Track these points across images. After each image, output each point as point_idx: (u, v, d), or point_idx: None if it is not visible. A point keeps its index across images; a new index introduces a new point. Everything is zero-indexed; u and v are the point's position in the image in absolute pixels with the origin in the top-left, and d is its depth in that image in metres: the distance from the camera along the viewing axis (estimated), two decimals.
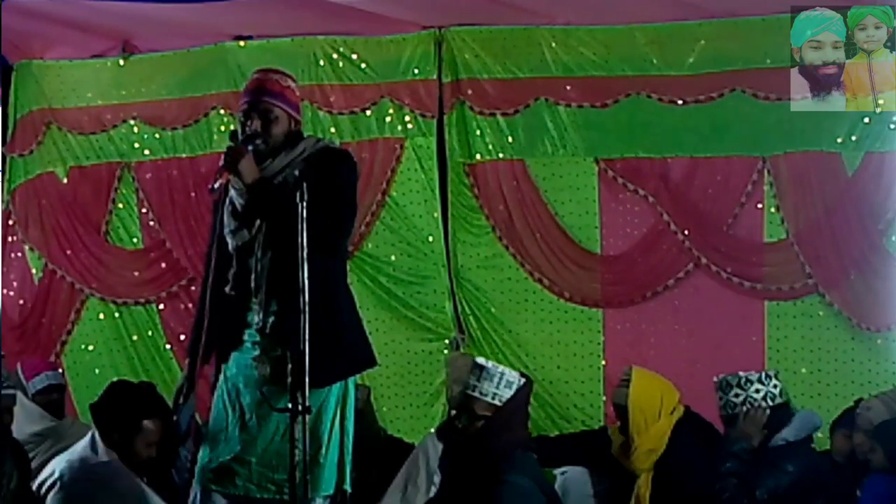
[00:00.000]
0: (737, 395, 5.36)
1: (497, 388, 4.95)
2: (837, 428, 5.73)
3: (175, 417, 5.01)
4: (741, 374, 5.41)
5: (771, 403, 5.36)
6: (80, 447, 5.38)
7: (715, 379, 5.48)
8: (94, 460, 5.28)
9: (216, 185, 4.48)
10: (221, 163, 4.45)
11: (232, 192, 4.55)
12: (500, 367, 5.07)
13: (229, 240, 4.62)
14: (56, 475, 5.21)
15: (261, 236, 4.54)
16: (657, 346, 6.73)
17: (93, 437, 5.39)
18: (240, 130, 4.61)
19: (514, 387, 4.99)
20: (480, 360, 5.14)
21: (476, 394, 4.96)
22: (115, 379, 7.11)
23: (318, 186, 4.30)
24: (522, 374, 5.16)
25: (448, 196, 7.00)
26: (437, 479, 5.40)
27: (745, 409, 5.34)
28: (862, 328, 6.42)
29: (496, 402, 4.94)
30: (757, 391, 5.35)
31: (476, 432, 4.95)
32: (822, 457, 5.63)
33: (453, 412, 5.17)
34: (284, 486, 4.40)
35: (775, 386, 5.39)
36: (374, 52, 7.07)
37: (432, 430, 6.01)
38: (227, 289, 4.60)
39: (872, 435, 5.28)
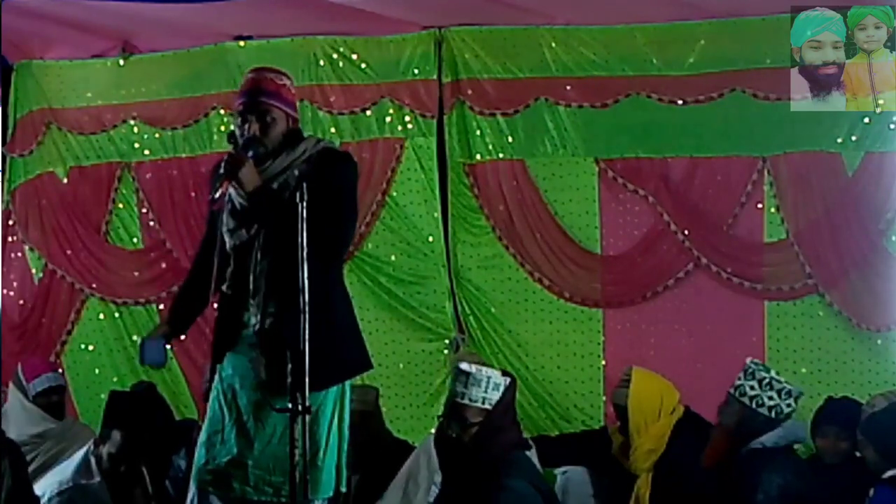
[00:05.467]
0: (752, 388, 5.23)
1: (486, 392, 4.87)
2: (824, 425, 5.68)
3: (140, 345, 4.86)
4: (772, 374, 5.20)
5: (771, 416, 5.13)
6: (73, 468, 5.34)
7: (748, 360, 5.30)
8: (85, 482, 5.25)
9: (216, 196, 4.39)
10: (221, 171, 4.38)
11: (231, 191, 4.46)
12: (485, 370, 4.97)
13: (227, 238, 4.56)
14: (45, 498, 5.18)
15: (260, 238, 4.49)
16: (657, 346, 6.72)
17: (86, 455, 5.36)
18: (237, 132, 4.56)
19: (502, 388, 4.90)
20: (464, 365, 5.00)
21: (465, 401, 4.86)
22: (114, 379, 7.24)
23: (319, 189, 4.26)
24: (505, 373, 5.08)
25: (448, 196, 6.99)
26: (437, 478, 5.36)
27: (745, 401, 5.19)
28: (862, 328, 6.41)
29: (486, 406, 4.85)
30: (770, 398, 5.15)
31: (471, 439, 4.87)
32: (807, 464, 5.51)
33: (443, 420, 5.04)
34: (282, 489, 4.38)
35: (789, 405, 5.16)
36: (374, 52, 7.07)
37: (433, 430, 5.98)
38: (223, 287, 4.58)
39: (863, 430, 5.26)
